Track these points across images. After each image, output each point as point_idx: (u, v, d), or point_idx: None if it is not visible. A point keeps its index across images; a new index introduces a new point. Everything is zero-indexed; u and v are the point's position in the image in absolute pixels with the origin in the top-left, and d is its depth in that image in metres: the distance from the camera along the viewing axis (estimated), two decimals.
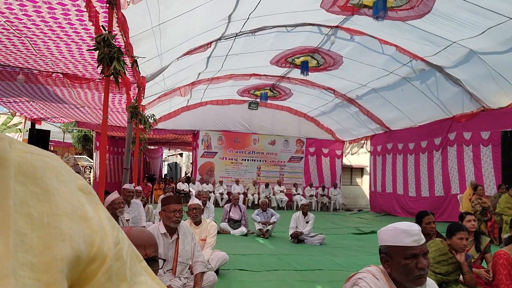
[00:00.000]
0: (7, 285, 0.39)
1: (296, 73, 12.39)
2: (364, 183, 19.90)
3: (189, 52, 8.78)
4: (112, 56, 4.35)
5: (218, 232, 6.39)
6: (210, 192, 14.78)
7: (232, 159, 16.68)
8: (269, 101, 15.83)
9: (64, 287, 0.45)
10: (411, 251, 1.73)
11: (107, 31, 4.40)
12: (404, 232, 1.76)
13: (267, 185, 15.85)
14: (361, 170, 20.48)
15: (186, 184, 15.80)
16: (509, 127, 9.51)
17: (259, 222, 8.47)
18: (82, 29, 5.32)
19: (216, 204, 14.31)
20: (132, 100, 8.30)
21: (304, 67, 11.23)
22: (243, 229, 8.63)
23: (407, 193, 13.80)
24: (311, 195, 15.91)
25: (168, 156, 33.59)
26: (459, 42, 8.65)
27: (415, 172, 13.54)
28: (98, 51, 4.36)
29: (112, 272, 0.51)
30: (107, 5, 4.41)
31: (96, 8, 4.54)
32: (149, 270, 0.61)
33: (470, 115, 10.92)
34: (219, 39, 9.04)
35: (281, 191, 16.00)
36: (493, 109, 10.24)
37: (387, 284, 1.78)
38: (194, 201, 4.77)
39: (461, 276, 3.41)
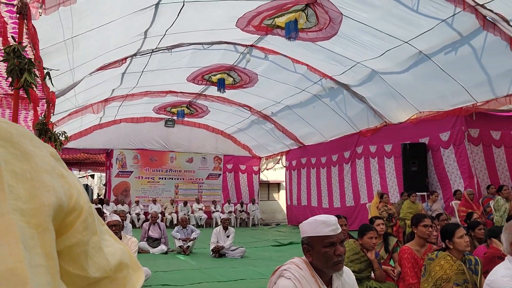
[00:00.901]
0: (8, 220, 0.44)
1: (213, 91, 12.54)
2: (281, 198, 20.46)
3: (103, 67, 8.52)
4: (23, 67, 4.12)
5: (137, 252, 6.20)
6: (126, 212, 14.21)
7: (148, 178, 16.24)
8: (186, 119, 15.76)
9: (51, 230, 0.50)
10: (329, 239, 1.90)
11: (16, 42, 4.17)
12: (323, 223, 1.94)
13: (185, 203, 15.64)
14: (277, 185, 21.06)
15: (100, 205, 15.04)
16: (408, 140, 10.47)
17: (179, 239, 8.35)
18: None
19: (133, 225, 13.79)
20: (40, 117, 7.81)
21: (221, 85, 11.41)
22: (163, 247, 8.43)
23: (321, 204, 14.47)
24: (230, 212, 15.99)
25: (78, 178, 31.65)
26: (363, 63, 9.41)
27: (327, 185, 14.28)
28: (7, 62, 4.10)
29: (87, 223, 0.57)
30: (18, 15, 4.18)
31: (5, 19, 4.28)
32: (110, 232, 0.68)
33: (374, 130, 11.85)
34: (135, 54, 8.89)
35: (200, 209, 15.89)
36: (394, 124, 11.22)
37: (310, 273, 1.93)
38: (112, 217, 4.63)
39: (372, 274, 3.70)
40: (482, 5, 6.48)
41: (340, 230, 1.96)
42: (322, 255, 1.90)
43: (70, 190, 0.55)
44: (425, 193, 9.89)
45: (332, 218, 1.97)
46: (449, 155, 9.79)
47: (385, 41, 8.19)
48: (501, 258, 3.47)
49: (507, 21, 6.61)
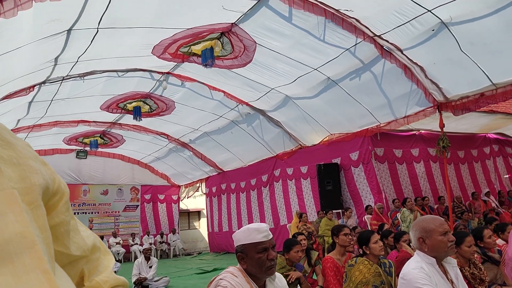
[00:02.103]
0: (10, 192, 0.49)
1: (128, 119, 12.23)
2: (202, 226, 20.22)
3: (8, 96, 7.96)
4: None
5: None
6: None
7: None
8: (99, 149, 15.11)
9: (42, 206, 0.54)
10: (262, 245, 2.02)
11: None
12: (255, 230, 2.06)
13: (101, 238, 14.80)
14: (198, 213, 20.82)
15: None
16: (322, 161, 11.05)
17: None
18: None
19: None
20: None
21: (137, 113, 11.19)
22: None
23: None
24: (150, 243, 15.42)
25: None
26: (277, 89, 9.84)
27: (247, 209, 14.46)
28: None
29: (68, 206, 0.64)
30: None
31: None
32: (80, 222, 0.73)
33: (290, 153, 12.34)
34: (44, 82, 8.44)
35: (117, 243, 15.14)
36: (308, 146, 11.80)
37: (245, 280, 2.02)
38: None
39: (299, 286, 3.85)
40: (379, 36, 7.20)
41: (271, 236, 2.07)
42: (256, 260, 2.00)
43: (52, 175, 0.61)
44: (340, 210, 10.44)
45: (263, 225, 2.10)
46: (359, 173, 10.49)
47: (297, 68, 8.67)
48: None
49: (400, 50, 7.41)
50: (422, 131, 11.19)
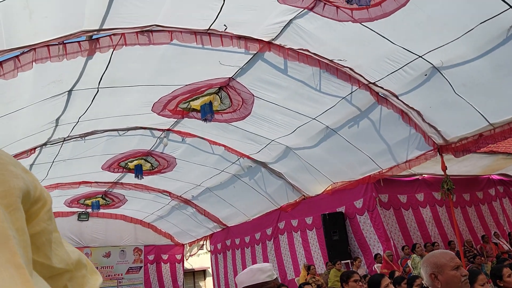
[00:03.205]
0: None
1: (130, 178, 12.21)
2: (207, 286, 19.57)
3: None
4: None
5: None
6: None
7: None
8: (101, 210, 14.97)
9: (21, 209, 0.52)
10: (267, 286, 1.94)
11: None
12: (259, 270, 2.00)
13: None
14: (203, 272, 20.25)
15: None
16: (327, 211, 10.88)
17: None
18: None
19: None
20: None
21: (138, 171, 11.21)
22: None
23: None
24: None
25: None
26: (277, 140, 9.89)
27: (252, 264, 14.03)
28: None
29: (51, 214, 0.61)
30: None
31: None
32: (64, 239, 0.69)
33: (294, 204, 12.18)
34: (45, 144, 8.52)
35: None
36: (311, 196, 11.67)
37: None
38: None
39: None
40: (373, 83, 7.36)
41: (276, 275, 1.99)
42: None
43: (34, 182, 0.59)
44: (348, 260, 10.14)
45: (267, 265, 2.04)
46: (365, 221, 10.30)
47: (295, 118, 8.77)
48: None
49: (396, 96, 7.54)
50: (425, 175, 11.12)
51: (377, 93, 7.63)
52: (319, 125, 8.95)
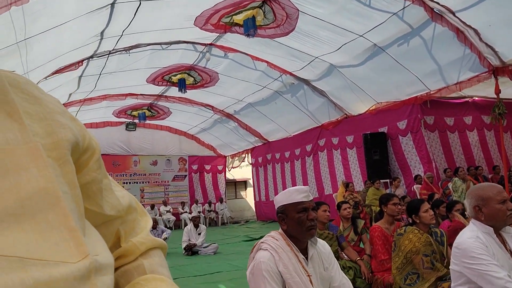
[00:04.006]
0: (34, 146, 0.47)
1: (174, 91, 12.44)
2: (248, 195, 20.53)
3: (58, 71, 8.28)
4: None
5: None
6: None
7: None
8: (147, 121, 15.55)
9: (71, 162, 0.52)
10: (302, 205, 2.05)
11: None
12: (296, 190, 2.10)
13: (152, 207, 15.44)
14: (244, 183, 21.12)
15: None
16: (368, 130, 10.79)
17: None
18: None
19: None
20: None
21: (182, 85, 11.34)
22: None
23: None
24: (199, 212, 15.90)
25: None
26: (321, 57, 9.59)
27: (291, 179, 14.50)
28: None
29: (100, 163, 0.61)
30: None
31: None
32: (115, 182, 0.71)
33: (335, 123, 12.13)
34: (91, 57, 8.69)
35: (168, 211, 15.72)
36: (354, 115, 11.53)
37: (285, 242, 2.06)
38: None
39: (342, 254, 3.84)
40: None
41: (311, 197, 2.11)
42: (296, 220, 2.03)
43: (82, 131, 0.58)
44: (387, 180, 10.23)
45: (304, 187, 2.14)
46: (407, 142, 10.17)
47: (341, 35, 8.39)
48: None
49: (452, 13, 6.96)
50: (476, 98, 10.60)
51: (432, 9, 7.07)
52: (366, 42, 8.53)
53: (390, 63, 8.86)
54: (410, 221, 3.29)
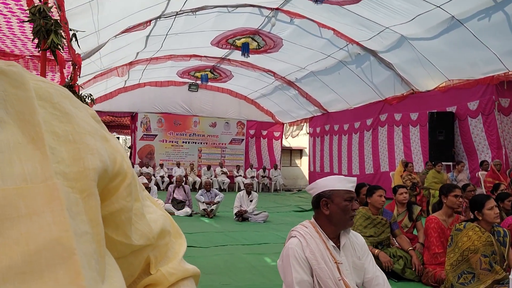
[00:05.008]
0: (52, 185, 0.41)
1: (236, 55, 12.42)
2: (303, 164, 20.50)
3: (127, 30, 8.50)
4: (49, 28, 4.13)
5: None
6: (151, 175, 14.53)
7: (172, 142, 16.46)
8: (209, 83, 15.76)
9: (96, 194, 0.47)
10: (350, 194, 2.05)
11: (42, 2, 4.17)
12: (345, 179, 2.11)
13: (208, 167, 15.86)
14: (300, 152, 21.06)
15: None
16: (435, 109, 10.22)
17: (203, 202, 8.51)
18: (11, 0, 4.97)
19: (158, 187, 14.10)
20: (66, 80, 7.90)
21: (245, 49, 11.27)
22: (187, 210, 8.63)
23: (341, 171, 14.45)
24: (252, 177, 16.14)
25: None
26: (391, 28, 9.10)
27: (347, 152, 14.23)
28: (33, 23, 4.11)
29: (131, 189, 0.55)
30: None
31: None
32: (151, 198, 0.66)
33: (400, 98, 11.59)
34: (159, 17, 8.82)
35: (223, 173, 16.09)
36: (421, 92, 10.94)
37: (314, 230, 2.06)
38: (141, 180, 4.73)
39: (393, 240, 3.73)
40: None
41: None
42: (342, 207, 2.03)
43: (114, 153, 0.53)
44: (450, 163, 9.73)
45: (353, 177, 2.15)
46: (477, 124, 9.54)
47: (416, 5, 7.88)
48: None
49: None
50: None
51: None
52: (443, 14, 7.97)
53: (467, 38, 8.25)
54: (472, 217, 3.09)
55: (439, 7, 7.75)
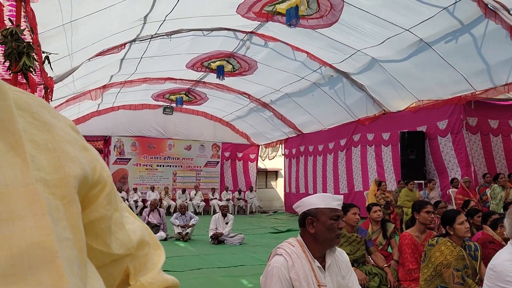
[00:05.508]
0: (32, 190, 0.42)
1: (212, 78, 12.50)
2: (278, 186, 20.53)
3: (101, 53, 8.46)
4: (21, 51, 4.08)
5: None
6: (125, 199, 14.25)
7: (146, 165, 16.25)
8: (184, 106, 15.72)
9: (77, 201, 0.47)
10: (336, 212, 2.03)
11: (14, 25, 4.13)
12: (331, 197, 2.08)
13: (183, 191, 15.69)
14: (275, 173, 21.11)
15: None
16: (406, 128, 10.49)
17: (178, 226, 8.39)
18: None
19: None
20: None
21: (220, 72, 11.36)
22: (162, 234, 8.47)
23: (316, 192, 14.53)
24: (228, 199, 16.05)
25: None
26: (363, 51, 9.37)
27: (322, 172, 14.36)
28: (5, 45, 4.06)
29: (111, 198, 0.56)
30: None
31: (1, 1, 4.24)
32: (129, 210, 0.66)
33: (372, 118, 11.86)
34: (134, 40, 8.83)
35: (198, 196, 15.94)
36: (392, 112, 11.23)
37: (301, 249, 2.03)
38: None
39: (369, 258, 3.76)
40: None
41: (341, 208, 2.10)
42: (327, 226, 2.01)
43: (93, 162, 0.53)
44: (422, 181, 9.94)
45: (340, 195, 2.14)
46: (446, 143, 9.82)
47: (386, 28, 8.16)
48: (492, 242, 3.55)
49: (507, 10, 6.60)
50: None
51: (486, 5, 6.73)
52: (412, 37, 8.27)
53: (436, 60, 8.57)
54: (444, 232, 3.16)
55: (407, 30, 8.05)
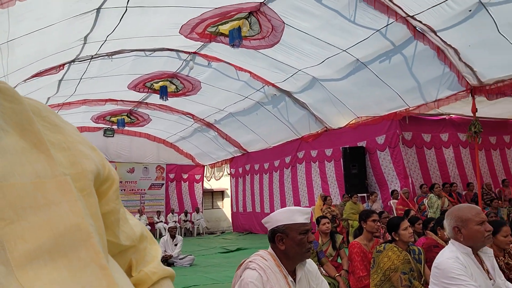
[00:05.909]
0: (63, 179, 0.46)
1: (155, 99, 12.33)
2: (225, 206, 20.44)
3: (38, 74, 8.12)
4: None
5: None
6: None
7: None
8: (126, 128, 15.34)
9: (94, 193, 0.52)
10: (305, 227, 2.02)
11: None
12: (299, 211, 2.06)
13: None
14: (221, 193, 21.02)
15: None
16: (347, 144, 10.92)
17: None
18: None
19: None
20: None
21: (163, 92, 11.26)
22: None
23: (263, 210, 14.65)
24: (174, 221, 15.67)
25: None
26: (304, 70, 9.69)
27: (269, 190, 14.52)
28: None
29: (118, 193, 0.61)
30: None
31: None
32: (127, 211, 0.71)
33: (315, 135, 12.23)
34: (73, 61, 8.55)
35: (143, 220, 15.47)
36: (334, 129, 11.66)
37: (275, 263, 2.01)
38: None
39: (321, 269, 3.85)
40: (412, 16, 6.97)
41: (309, 221, 2.08)
42: (297, 242, 1.99)
43: (102, 160, 0.58)
44: (365, 194, 10.34)
45: (307, 208, 2.12)
46: (385, 157, 10.33)
47: (325, 49, 8.51)
48: (436, 246, 3.78)
49: (434, 32, 7.16)
50: (453, 115, 10.88)
51: (415, 27, 7.26)
52: (349, 57, 8.68)
53: (371, 79, 9.02)
54: (389, 239, 3.33)
55: (345, 51, 8.45)
